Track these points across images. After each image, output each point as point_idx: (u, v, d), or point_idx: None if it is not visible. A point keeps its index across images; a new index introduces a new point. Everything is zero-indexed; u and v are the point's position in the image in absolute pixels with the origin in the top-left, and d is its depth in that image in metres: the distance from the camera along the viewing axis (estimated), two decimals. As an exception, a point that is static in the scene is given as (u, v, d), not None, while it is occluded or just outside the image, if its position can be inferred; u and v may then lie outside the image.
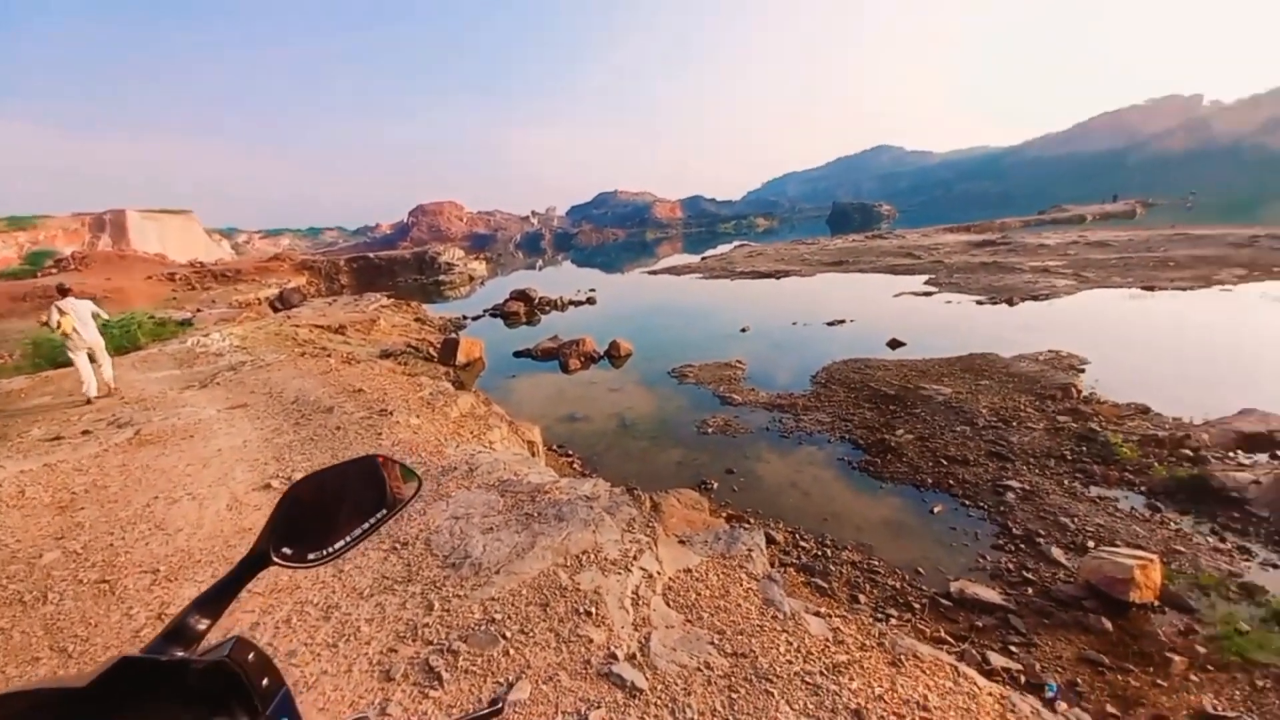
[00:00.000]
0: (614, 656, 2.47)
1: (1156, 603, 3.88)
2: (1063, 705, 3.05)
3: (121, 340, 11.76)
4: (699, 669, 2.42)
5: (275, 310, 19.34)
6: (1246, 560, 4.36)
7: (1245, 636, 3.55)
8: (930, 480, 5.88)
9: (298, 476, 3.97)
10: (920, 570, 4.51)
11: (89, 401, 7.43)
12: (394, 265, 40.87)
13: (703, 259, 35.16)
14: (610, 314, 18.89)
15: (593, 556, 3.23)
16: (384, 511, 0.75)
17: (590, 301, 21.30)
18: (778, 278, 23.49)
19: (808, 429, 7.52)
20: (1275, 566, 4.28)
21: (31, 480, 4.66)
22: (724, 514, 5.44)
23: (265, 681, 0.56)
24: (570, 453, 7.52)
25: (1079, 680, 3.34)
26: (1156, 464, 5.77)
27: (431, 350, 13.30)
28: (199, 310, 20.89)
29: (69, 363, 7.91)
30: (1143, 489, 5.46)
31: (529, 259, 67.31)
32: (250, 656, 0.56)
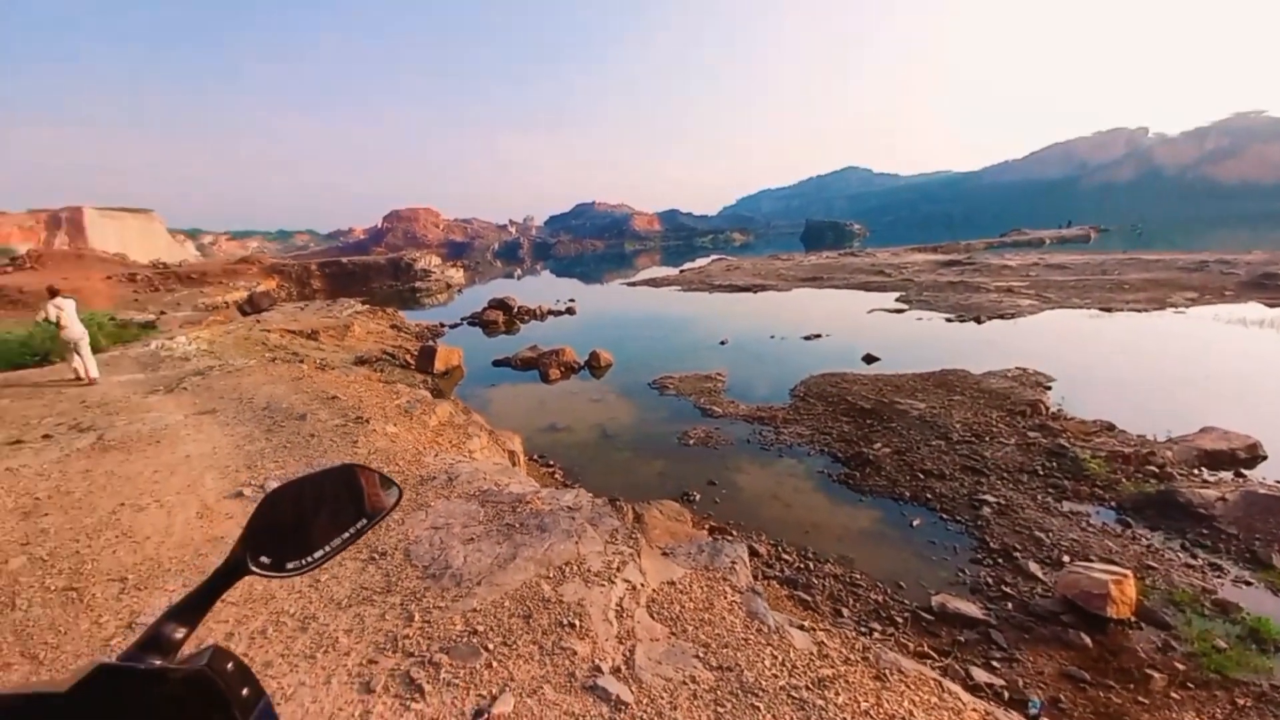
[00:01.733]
0: (599, 669, 2.46)
1: (1133, 619, 3.99)
2: None
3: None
4: (684, 682, 2.42)
5: (244, 314, 18.81)
6: (1219, 577, 4.52)
7: (1223, 654, 3.64)
8: (908, 494, 6.02)
9: (271, 485, 3.86)
10: (902, 584, 4.60)
11: (87, 382, 8.18)
12: (369, 271, 40.17)
13: (681, 271, 35.51)
14: (590, 324, 18.90)
15: (576, 568, 3.21)
16: (364, 521, 0.73)
17: (570, 311, 21.28)
18: (755, 291, 23.85)
19: (788, 441, 7.62)
20: (1247, 583, 4.44)
21: (-19, 488, 4.42)
22: (706, 525, 5.46)
23: (245, 691, 0.55)
24: (552, 463, 7.46)
25: (1061, 696, 3.42)
26: (1124, 480, 6.01)
27: (409, 358, 13.09)
28: (163, 313, 20.15)
29: (49, 361, 8.83)
30: (1113, 504, 5.67)
31: (507, 268, 66.97)
32: (229, 666, 0.55)
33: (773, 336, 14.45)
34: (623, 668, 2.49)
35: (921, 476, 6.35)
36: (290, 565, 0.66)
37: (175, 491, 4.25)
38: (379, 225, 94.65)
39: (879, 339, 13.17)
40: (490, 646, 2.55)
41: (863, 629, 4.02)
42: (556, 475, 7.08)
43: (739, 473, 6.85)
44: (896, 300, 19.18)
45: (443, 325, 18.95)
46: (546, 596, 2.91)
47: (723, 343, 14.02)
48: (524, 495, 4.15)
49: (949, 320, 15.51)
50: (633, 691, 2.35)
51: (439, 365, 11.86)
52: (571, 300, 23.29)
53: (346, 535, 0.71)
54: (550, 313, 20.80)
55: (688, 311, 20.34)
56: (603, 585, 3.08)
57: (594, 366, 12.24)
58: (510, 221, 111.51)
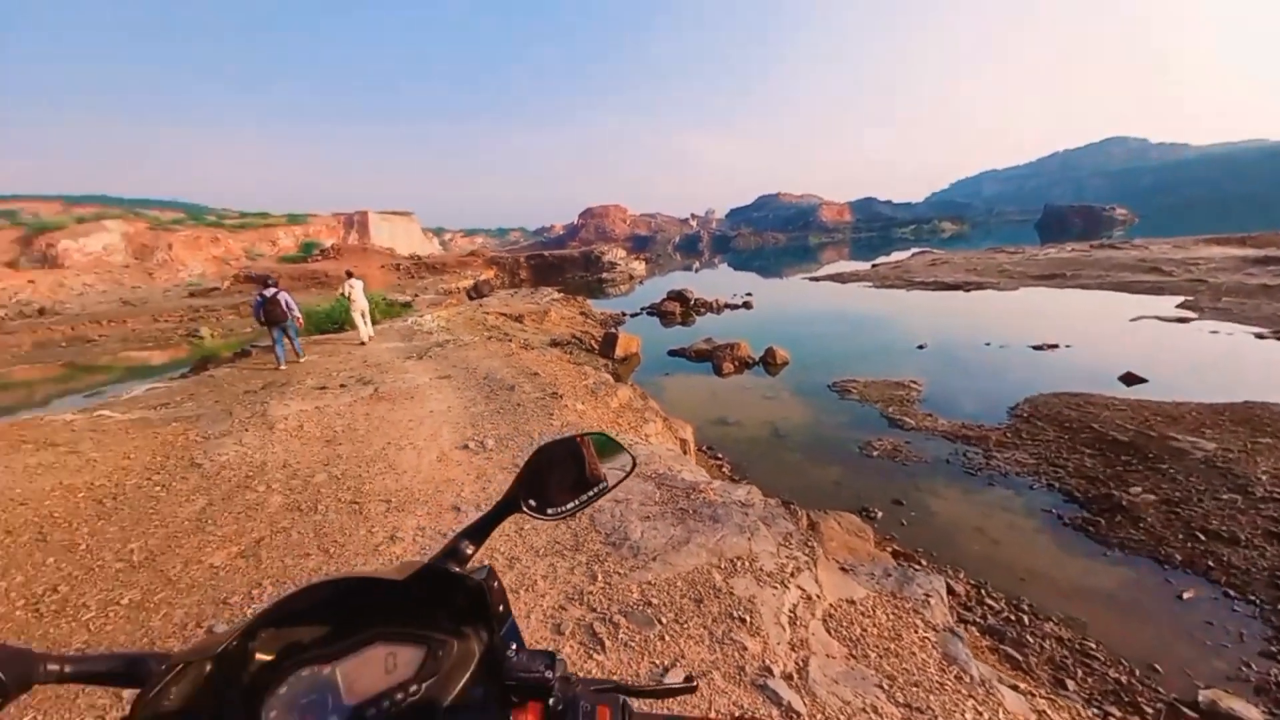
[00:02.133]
0: (769, 670, 2.39)
1: None
2: None
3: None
4: (864, 710, 2.22)
5: (471, 299, 22.44)
6: None
7: None
8: (1179, 556, 4.67)
9: (489, 442, 4.51)
10: (1157, 667, 3.61)
11: (363, 344, 10.85)
12: (564, 263, 44.76)
13: (874, 266, 32.47)
14: (766, 320, 18.40)
15: (747, 564, 3.16)
16: (605, 484, 0.82)
17: (746, 306, 20.98)
18: (966, 290, 20.69)
19: (1002, 469, 6.48)
20: None
21: (307, 418, 6.03)
22: (889, 548, 4.94)
23: (501, 608, 0.65)
24: (720, 456, 7.48)
25: None
26: None
27: (593, 343, 14.26)
28: (416, 295, 25.10)
29: (342, 328, 11.81)
30: None
31: (686, 260, 68.62)
32: (495, 585, 0.66)
33: (988, 344, 12.39)
34: (795, 676, 2.38)
35: (1202, 537, 4.87)
36: (550, 511, 0.76)
37: (423, 438, 5.27)
38: (575, 222, 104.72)
39: (1146, 355, 10.39)
40: (664, 620, 2.65)
41: (1097, 710, 3.25)
42: (724, 469, 7.07)
43: (933, 496, 6.05)
44: (1178, 307, 14.91)
45: (624, 314, 20.24)
46: (717, 586, 2.93)
47: (921, 347, 12.47)
48: (696, 484, 4.22)
49: (1261, 337, 11.56)
50: (805, 703, 2.23)
51: (619, 351, 12.70)
52: (749, 294, 22.94)
53: (593, 493, 0.80)
54: (726, 306, 20.78)
55: (878, 310, 18.54)
56: (775, 587, 2.99)
57: (769, 363, 11.90)
58: (691, 215, 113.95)
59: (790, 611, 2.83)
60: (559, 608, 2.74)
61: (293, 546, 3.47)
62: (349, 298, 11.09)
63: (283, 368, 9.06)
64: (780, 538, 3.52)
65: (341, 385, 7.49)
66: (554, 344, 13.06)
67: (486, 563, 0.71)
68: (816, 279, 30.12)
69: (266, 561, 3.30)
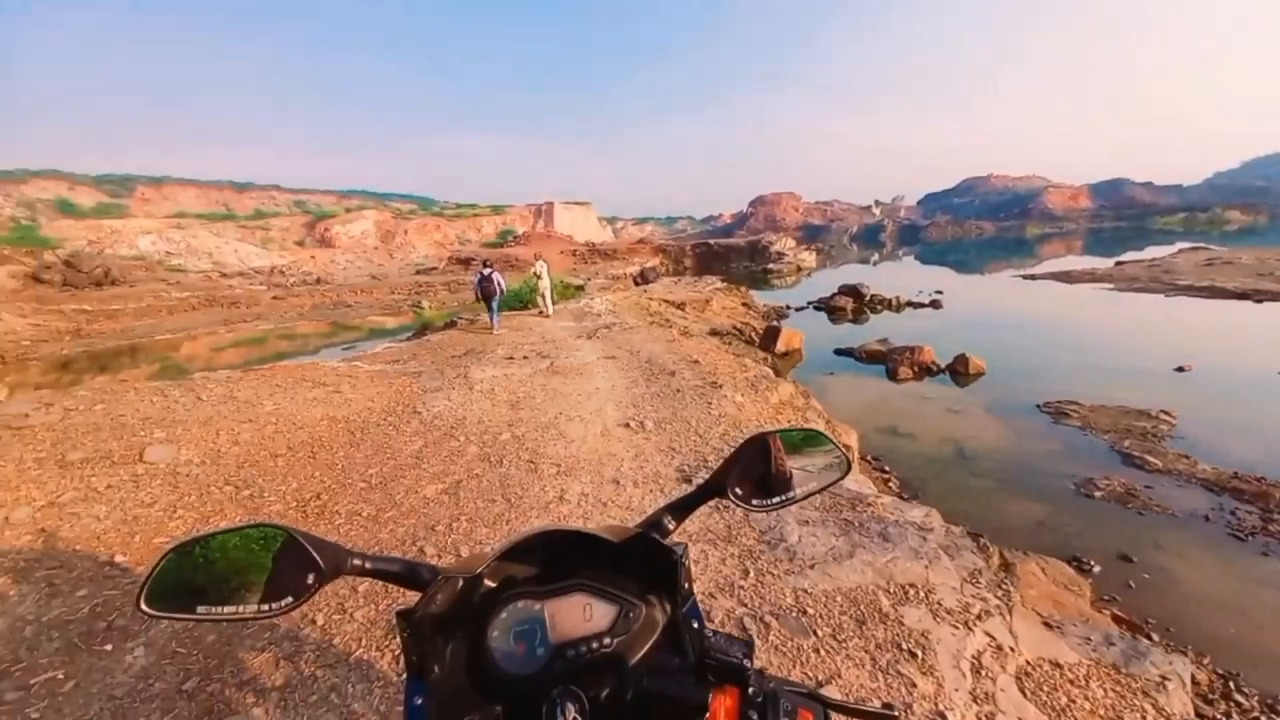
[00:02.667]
0: (942, 717, 2.11)
1: None
2: None
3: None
4: (1069, 797, 1.84)
5: (636, 284, 23.51)
6: None
7: None
8: None
9: (649, 423, 4.68)
10: None
11: (546, 316, 12.75)
12: (730, 252, 44.34)
13: (1118, 264, 26.42)
14: (959, 322, 16.10)
15: (922, 594, 2.82)
16: (815, 483, 0.79)
17: (934, 305, 18.61)
18: (1257, 301, 15.74)
19: (1295, 538, 4.85)
20: None
21: (497, 384, 6.90)
22: (1108, 611, 4.02)
23: (688, 585, 0.68)
24: (888, 469, 6.79)
25: None
26: None
27: (753, 335, 13.94)
28: (589, 279, 27.07)
29: (525, 307, 13.92)
30: None
31: (864, 252, 63.30)
32: (686, 562, 0.68)
33: (1285, 372, 9.31)
34: (975, 733, 2.07)
35: None
36: (754, 502, 0.76)
37: (589, 412, 5.68)
38: (744, 210, 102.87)
39: None
40: (819, 632, 2.50)
41: None
42: (891, 483, 6.40)
43: (1178, 557, 4.77)
44: None
45: (788, 307, 19.38)
46: (884, 610, 2.67)
47: (1180, 369, 9.85)
48: (863, 495, 3.89)
49: None
50: (987, 768, 1.93)
51: (780, 346, 12.22)
52: (938, 292, 20.32)
53: (800, 491, 0.78)
54: (909, 304, 18.68)
55: (1119, 320, 15.06)
56: (955, 627, 2.63)
57: (958, 372, 10.43)
58: (875, 203, 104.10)
59: (974, 658, 2.46)
60: (709, 594, 2.75)
61: (484, 491, 4.01)
62: (538, 277, 12.96)
63: (496, 331, 10.99)
64: (965, 573, 3.08)
65: (524, 357, 8.42)
66: (713, 333, 13.07)
67: (683, 543, 0.73)
68: (1032, 277, 25.47)
69: (464, 500, 3.87)
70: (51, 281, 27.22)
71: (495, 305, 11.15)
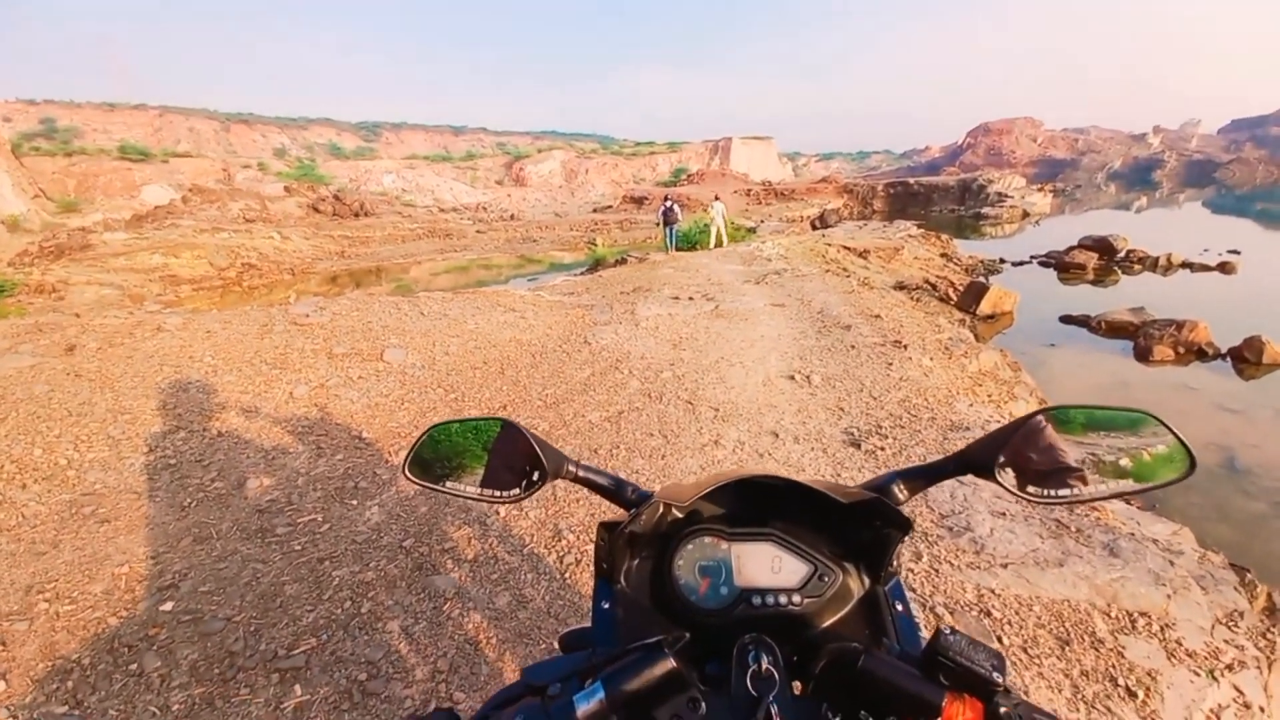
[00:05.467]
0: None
1: None
2: None
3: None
4: None
5: (814, 229, 21.70)
6: None
7: None
8: None
9: (815, 378, 4.36)
10: None
11: (720, 244, 14.66)
12: (933, 193, 38.43)
13: None
14: (1258, 294, 11.96)
15: (1156, 627, 2.26)
16: (1133, 483, 0.62)
17: (1223, 269, 14.03)
18: None
19: None
20: None
21: (661, 322, 7.03)
22: None
23: (895, 564, 0.67)
24: (1118, 467, 5.50)
25: None
26: None
27: (951, 291, 12.04)
28: (762, 221, 25.80)
29: (694, 247, 14.68)
30: None
31: (1127, 195, 50.12)
32: (905, 538, 0.65)
33: None
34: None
35: None
36: (1031, 490, 0.63)
37: (751, 359, 5.50)
38: (960, 142, 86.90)
39: None
40: (1005, 641, 2.16)
41: None
42: (1123, 486, 5.18)
43: None
44: None
45: (1001, 261, 16.20)
46: (1099, 635, 2.19)
47: None
48: (1084, 494, 3.18)
49: None
50: None
51: (984, 307, 10.37)
52: (1232, 252, 15.27)
53: (1115, 487, 0.62)
54: (1183, 265, 14.35)
55: None
56: (1196, 674, 2.08)
57: (1244, 360, 7.86)
58: (1154, 129, 79.97)
59: (1211, 713, 1.94)
60: (870, 570, 2.53)
61: (642, 424, 4.17)
62: (711, 220, 14.75)
63: (672, 252, 14.03)
64: (1221, 612, 2.40)
65: (690, 298, 8.41)
66: (899, 287, 11.62)
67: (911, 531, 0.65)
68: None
69: (624, 430, 4.08)
70: (325, 211, 34.50)
71: (674, 231, 14.57)
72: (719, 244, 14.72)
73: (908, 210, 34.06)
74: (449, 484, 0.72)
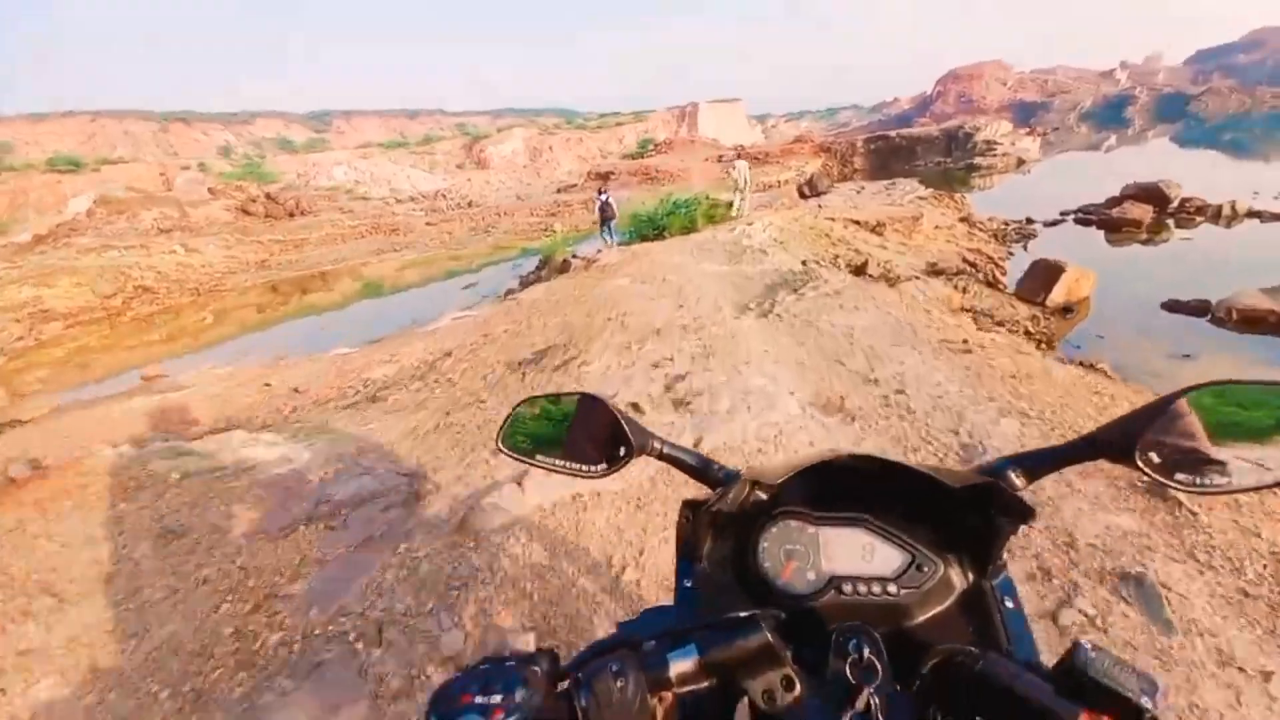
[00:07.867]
0: None
1: None
2: None
3: (685, 222, 12.63)
4: None
5: (804, 197, 18.90)
6: None
7: None
8: None
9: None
10: None
11: (739, 216, 12.55)
12: (916, 145, 35.73)
13: None
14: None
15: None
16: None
17: (1298, 215, 11.70)
18: None
19: None
20: None
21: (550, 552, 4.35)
22: None
23: (1004, 557, 0.62)
24: None
25: None
26: None
27: (996, 272, 9.52)
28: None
29: (662, 235, 12.26)
30: None
31: (1099, 134, 48.19)
32: (1021, 530, 0.71)
33: None
34: None
35: None
36: (1179, 477, 0.54)
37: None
38: (929, 92, 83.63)
39: None
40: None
41: None
42: None
43: None
44: None
45: (1030, 222, 13.62)
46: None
47: None
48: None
49: None
50: None
51: (1058, 294, 7.84)
52: (1295, 192, 12.98)
53: (1257, 479, 0.53)
54: (1253, 215, 11.96)
55: None
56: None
57: None
58: (1121, 64, 77.91)
59: None
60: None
61: None
62: (736, 185, 12.97)
63: (610, 247, 12.15)
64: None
65: (645, 377, 5.72)
66: (934, 272, 9.03)
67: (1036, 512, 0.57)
68: None
69: None
70: (255, 213, 30.69)
71: (612, 226, 12.70)
72: (738, 208, 12.92)
73: (890, 166, 31.36)
74: (539, 457, 0.75)
